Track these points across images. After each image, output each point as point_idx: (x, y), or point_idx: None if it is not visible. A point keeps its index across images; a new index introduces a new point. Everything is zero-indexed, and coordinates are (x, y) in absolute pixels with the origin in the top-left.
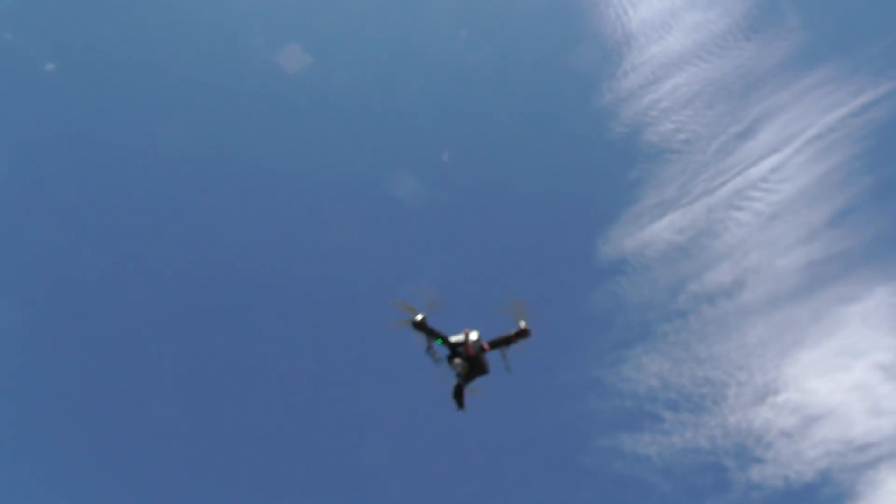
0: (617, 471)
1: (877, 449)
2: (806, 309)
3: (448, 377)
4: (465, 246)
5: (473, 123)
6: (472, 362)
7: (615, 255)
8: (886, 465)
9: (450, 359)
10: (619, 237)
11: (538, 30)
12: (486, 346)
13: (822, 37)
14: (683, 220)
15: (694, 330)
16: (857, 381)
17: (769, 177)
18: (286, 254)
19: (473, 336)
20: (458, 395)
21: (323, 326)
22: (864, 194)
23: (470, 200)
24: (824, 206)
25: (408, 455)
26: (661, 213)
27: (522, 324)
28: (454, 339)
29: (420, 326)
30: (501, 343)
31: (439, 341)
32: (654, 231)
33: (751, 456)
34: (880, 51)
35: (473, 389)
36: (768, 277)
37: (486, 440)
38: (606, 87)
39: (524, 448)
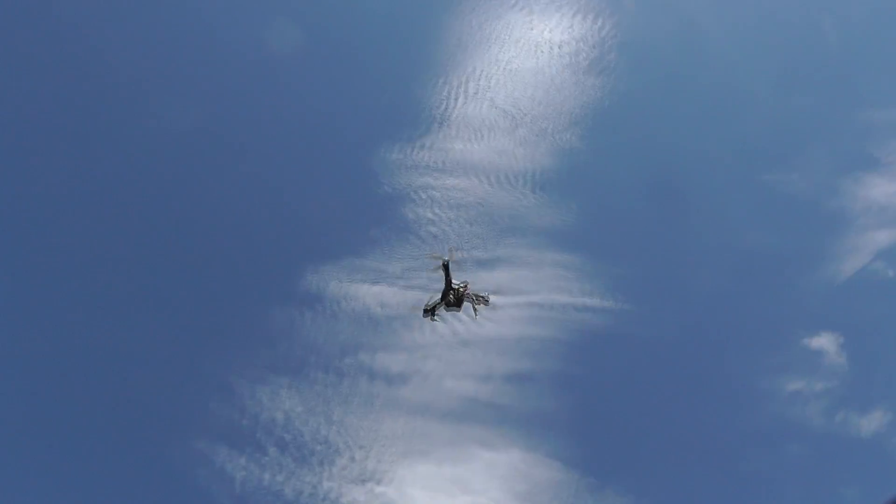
0: (196, 477)
1: None
2: (446, 430)
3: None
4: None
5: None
6: (458, 302)
7: (315, 289)
8: None
9: (444, 293)
10: (328, 277)
11: (371, 56)
12: (469, 295)
13: (586, 232)
14: (392, 299)
15: (342, 392)
16: None
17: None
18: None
19: (464, 285)
20: (432, 313)
21: None
22: (547, 373)
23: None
24: (511, 362)
25: None
26: (375, 280)
27: (490, 297)
28: (455, 283)
29: (444, 268)
30: (474, 300)
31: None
32: (360, 290)
33: None
34: (621, 274)
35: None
36: (431, 388)
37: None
38: (399, 147)
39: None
